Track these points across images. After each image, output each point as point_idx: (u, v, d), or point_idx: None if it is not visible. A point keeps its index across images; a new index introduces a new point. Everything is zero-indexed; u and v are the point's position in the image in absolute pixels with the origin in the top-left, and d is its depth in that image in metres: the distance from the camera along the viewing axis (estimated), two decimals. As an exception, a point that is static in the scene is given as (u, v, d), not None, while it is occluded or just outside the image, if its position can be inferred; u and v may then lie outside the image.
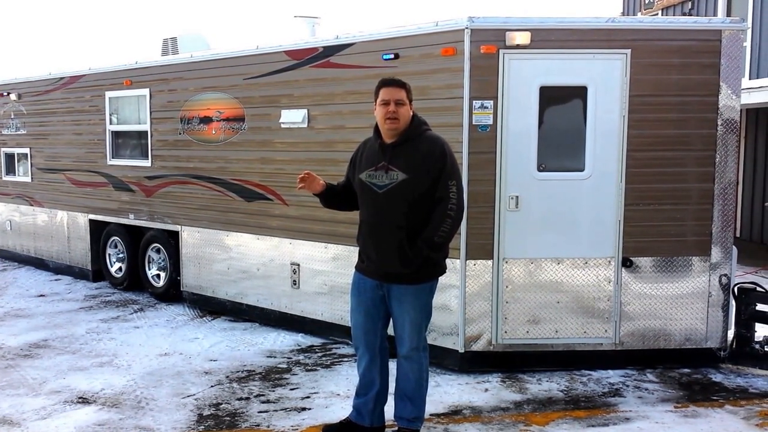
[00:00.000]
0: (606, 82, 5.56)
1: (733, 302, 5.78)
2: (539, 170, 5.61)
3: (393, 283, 4.17)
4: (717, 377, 5.65)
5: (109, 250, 9.29)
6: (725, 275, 5.75)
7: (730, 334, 5.88)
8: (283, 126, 6.82)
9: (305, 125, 6.64)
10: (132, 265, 8.91)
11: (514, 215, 5.61)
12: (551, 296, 5.70)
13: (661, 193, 5.69)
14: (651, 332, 5.76)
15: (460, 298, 5.67)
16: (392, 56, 5.92)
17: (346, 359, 6.11)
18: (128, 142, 8.81)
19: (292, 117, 6.72)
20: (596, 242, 5.68)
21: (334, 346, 6.57)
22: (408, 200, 4.05)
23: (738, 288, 5.73)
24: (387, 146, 4.14)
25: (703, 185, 5.70)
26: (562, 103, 5.69)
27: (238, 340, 6.82)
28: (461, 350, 5.73)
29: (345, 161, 6.12)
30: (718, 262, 5.74)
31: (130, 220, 8.73)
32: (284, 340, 6.79)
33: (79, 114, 9.40)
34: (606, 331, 5.74)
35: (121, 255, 9.14)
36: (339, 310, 6.52)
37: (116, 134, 8.94)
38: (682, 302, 5.75)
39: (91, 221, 9.39)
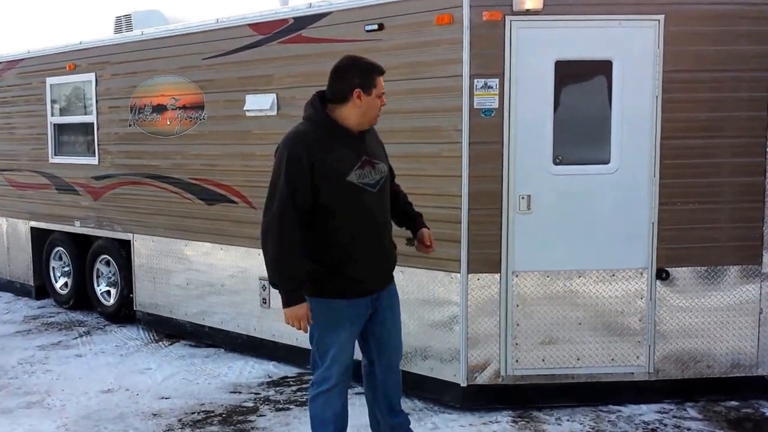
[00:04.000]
0: (635, 55, 4.97)
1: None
2: (555, 163, 5.03)
3: (387, 286, 3.96)
4: (772, 411, 5.10)
5: (53, 263, 8.68)
6: (780, 286, 5.18)
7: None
8: (248, 114, 6.23)
9: (274, 113, 6.06)
10: (79, 281, 8.30)
11: (526, 218, 5.02)
12: (571, 316, 5.11)
13: (701, 189, 5.11)
14: (691, 358, 5.18)
15: (462, 321, 5.08)
16: (376, 27, 5.33)
17: (324, 394, 5.51)
18: (73, 136, 8.23)
19: (259, 103, 6.12)
20: (625, 250, 5.09)
21: (311, 377, 5.94)
22: (389, 191, 3.97)
23: (797, 303, 5.15)
24: (357, 137, 3.78)
25: (751, 179, 5.12)
26: (582, 81, 5.11)
27: (198, 371, 6.22)
28: (463, 383, 5.13)
29: None
30: (769, 270, 5.18)
31: (76, 228, 8.13)
32: (252, 371, 6.19)
33: (17, 105, 8.82)
34: (638, 357, 5.15)
35: (66, 268, 8.54)
36: (317, 334, 5.91)
37: (59, 127, 8.35)
38: (728, 321, 5.17)
39: (33, 229, 8.79)
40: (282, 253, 3.57)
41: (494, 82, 4.92)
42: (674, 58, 4.98)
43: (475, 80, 4.93)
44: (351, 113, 3.71)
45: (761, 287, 5.16)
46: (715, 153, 5.08)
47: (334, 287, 3.73)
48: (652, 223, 5.07)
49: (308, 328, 3.70)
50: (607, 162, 5.03)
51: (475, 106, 4.95)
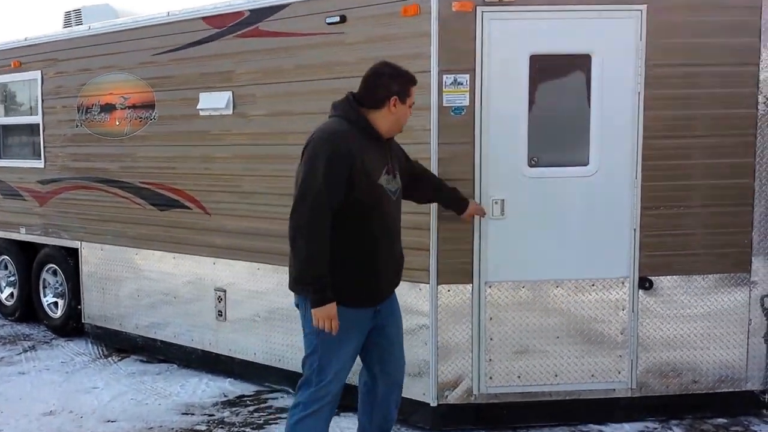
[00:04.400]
0: (616, 48, 4.65)
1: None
2: (531, 165, 4.68)
3: (390, 295, 3.92)
4: (762, 429, 4.80)
5: (-2, 272, 8.20)
6: (770, 296, 4.88)
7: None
8: (202, 113, 5.82)
9: (230, 112, 5.65)
10: (25, 291, 7.83)
11: (499, 225, 4.67)
12: (549, 330, 4.77)
13: (686, 192, 4.80)
14: (676, 372, 4.86)
15: (431, 336, 4.72)
16: (338, 19, 4.96)
17: (283, 415, 5.10)
18: (18, 138, 7.83)
19: (214, 102, 5.72)
20: (605, 258, 4.76)
21: (270, 396, 5.58)
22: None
23: (788, 313, 4.85)
24: (385, 143, 3.81)
25: (740, 181, 4.81)
26: (559, 76, 4.78)
27: (148, 390, 5.79)
28: (433, 403, 4.77)
29: (283, 157, 5.30)
30: (760, 279, 4.86)
31: (22, 235, 7.66)
32: (207, 389, 5.78)
33: (-41, 105, 8.30)
34: (620, 373, 4.82)
35: (12, 278, 8.08)
36: (276, 349, 5.55)
37: (4, 128, 7.92)
38: (715, 332, 4.87)
39: (-23, 237, 8.28)
40: (315, 251, 3.46)
41: (465, 78, 4.57)
42: (658, 51, 4.66)
43: (444, 76, 4.57)
44: (385, 120, 3.71)
45: (750, 296, 4.86)
46: (700, 153, 4.77)
47: (352, 293, 3.62)
48: (634, 229, 4.75)
49: (338, 328, 3.55)
50: (585, 164, 4.70)
51: (444, 104, 4.59)
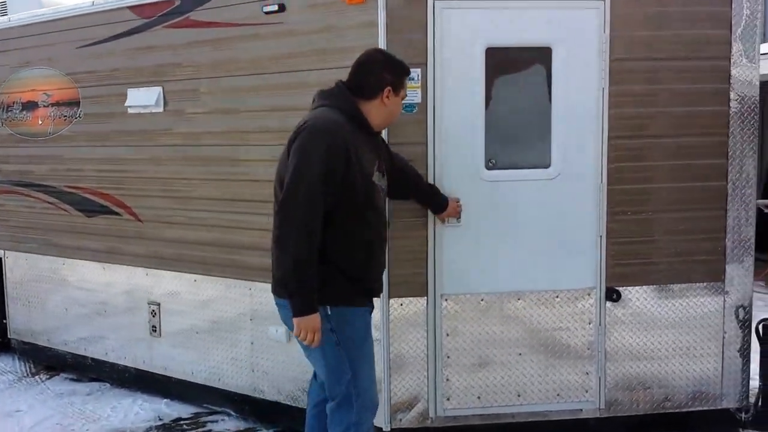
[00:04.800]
0: (578, 41, 4.29)
1: (756, 344, 4.60)
2: (488, 167, 4.30)
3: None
4: (737, 449, 4.48)
5: None
6: (744, 307, 4.56)
7: (754, 388, 4.70)
8: (131, 111, 5.33)
9: (161, 109, 5.18)
10: (-53, 304, 7.22)
11: (455, 232, 4.29)
12: (510, 347, 4.40)
13: (655, 196, 4.46)
14: (648, 390, 4.53)
15: (383, 354, 4.32)
16: (276, 8, 4.52)
17: (222, 442, 4.68)
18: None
19: (143, 98, 5.23)
20: (570, 267, 4.41)
21: (209, 419, 5.14)
22: None
23: (764, 326, 4.54)
24: (376, 136, 3.59)
25: (712, 183, 4.48)
26: (518, 71, 4.40)
27: (76, 414, 5.31)
28: (386, 427, 4.38)
29: (219, 159, 4.90)
30: (734, 289, 4.54)
31: (-59, 244, 7.06)
32: (141, 412, 5.32)
33: None
34: (587, 391, 4.47)
35: (-67, 290, 7.44)
36: (216, 368, 5.12)
37: None
38: (688, 347, 4.54)
39: None
40: (305, 254, 3.14)
41: (416, 72, 4.15)
42: (623, 44, 4.32)
43: (395, 70, 4.16)
44: (377, 112, 3.46)
45: (724, 307, 4.54)
46: (670, 154, 4.43)
47: (355, 293, 3.40)
48: (600, 236, 4.40)
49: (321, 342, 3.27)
50: (547, 166, 4.33)
51: (394, 102, 4.18)
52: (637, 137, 4.40)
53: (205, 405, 5.27)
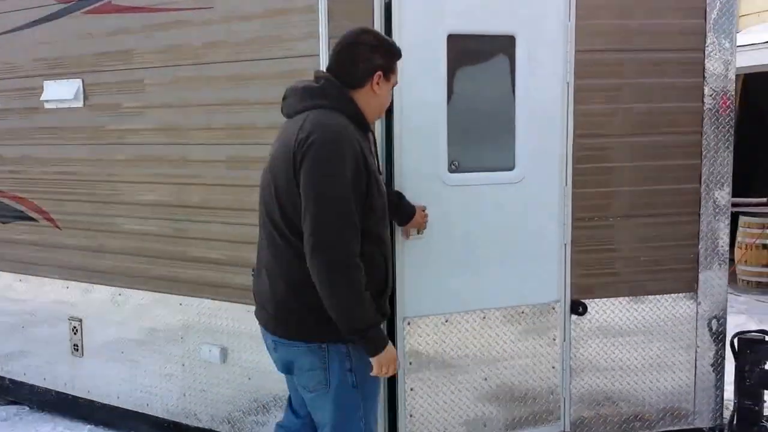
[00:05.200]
0: (542, 29, 3.89)
1: (732, 359, 4.27)
2: (451, 171, 3.85)
3: None
4: (711, 471, 4.15)
5: None
6: (717, 318, 4.23)
7: (728, 405, 4.36)
8: (47, 106, 4.80)
9: (80, 104, 4.66)
10: None
11: (417, 245, 3.78)
12: (476, 371, 3.97)
13: (624, 200, 4.11)
14: (616, 411, 4.18)
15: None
16: (206, -9, 4.06)
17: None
18: None
19: (60, 92, 4.71)
20: (533, 279, 4.01)
21: (138, 448, 4.64)
22: None
23: (739, 339, 4.21)
24: (372, 134, 3.09)
25: (684, 186, 4.14)
26: (481, 62, 3.97)
27: (-13, 444, 4.78)
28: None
29: (148, 160, 4.44)
30: (707, 299, 4.21)
31: None
32: (61, 440, 4.80)
33: None
34: (549, 415, 4.09)
35: None
36: (144, 391, 4.64)
37: None
38: (660, 362, 4.20)
39: None
40: (361, 286, 2.67)
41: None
42: (589, 34, 3.94)
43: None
44: (368, 102, 2.91)
45: (697, 318, 4.21)
46: (640, 154, 4.08)
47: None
48: (565, 245, 4.02)
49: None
50: (511, 168, 3.92)
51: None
52: (603, 136, 4.04)
53: (132, 432, 4.79)
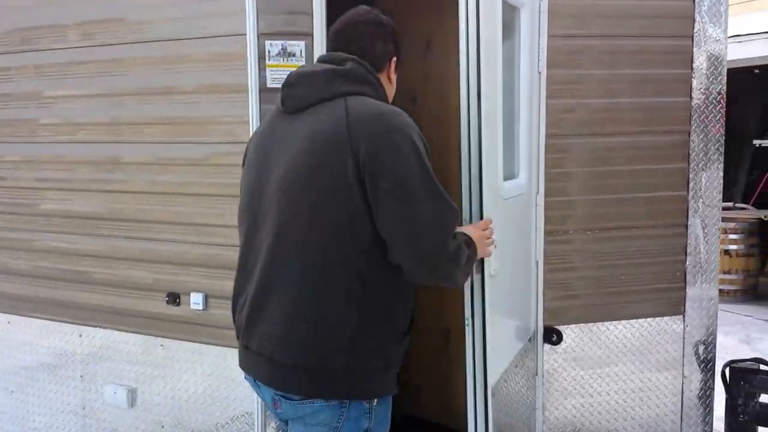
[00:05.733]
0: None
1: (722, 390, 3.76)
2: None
3: None
4: None
5: None
6: (705, 342, 3.72)
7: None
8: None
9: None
10: None
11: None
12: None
13: (603, 210, 3.55)
14: (595, 451, 3.63)
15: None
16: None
17: None
18: None
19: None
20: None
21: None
22: None
23: (731, 368, 3.69)
24: None
25: (670, 193, 3.61)
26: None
27: None
28: None
29: (42, 162, 3.72)
30: (695, 322, 3.69)
31: None
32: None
33: None
34: (522, 461, 3.51)
35: None
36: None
37: None
38: (644, 394, 3.66)
39: None
40: (465, 259, 2.19)
41: (298, 46, 3.10)
42: (563, 17, 3.38)
43: (268, 43, 3.08)
44: (388, 91, 2.36)
45: (684, 344, 3.68)
46: (620, 157, 3.53)
47: (394, 373, 2.22)
48: (537, 262, 3.45)
49: None
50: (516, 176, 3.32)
51: (268, 85, 3.10)
52: (578, 135, 3.48)
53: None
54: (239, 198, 2.26)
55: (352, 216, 2.02)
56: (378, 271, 2.07)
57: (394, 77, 2.37)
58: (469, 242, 2.24)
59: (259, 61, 3.07)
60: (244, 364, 2.26)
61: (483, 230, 2.44)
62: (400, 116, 2.12)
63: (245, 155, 2.31)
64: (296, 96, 2.17)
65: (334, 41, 2.31)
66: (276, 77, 3.08)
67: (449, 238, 2.10)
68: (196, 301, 3.29)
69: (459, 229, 2.25)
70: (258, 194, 2.17)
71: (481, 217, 2.54)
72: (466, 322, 2.62)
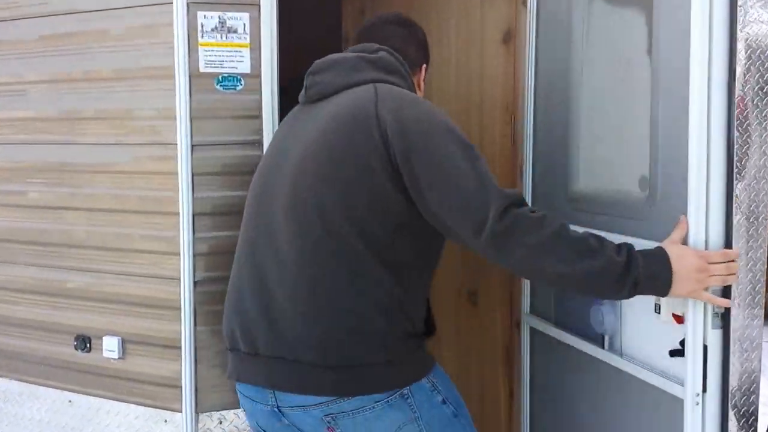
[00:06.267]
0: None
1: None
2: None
3: None
4: None
5: None
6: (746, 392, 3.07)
7: None
8: None
9: None
10: None
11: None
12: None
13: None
14: None
15: None
16: None
17: None
18: None
19: None
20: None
21: None
22: None
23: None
24: None
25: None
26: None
27: None
28: None
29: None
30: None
31: None
32: None
33: None
34: None
35: None
36: None
37: None
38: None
39: None
40: (577, 236, 1.88)
41: (241, 19, 2.47)
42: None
43: (201, 14, 2.44)
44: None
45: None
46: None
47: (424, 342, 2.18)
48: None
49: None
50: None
51: (201, 69, 2.46)
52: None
53: None
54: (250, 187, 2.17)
55: (384, 198, 1.92)
56: (403, 254, 1.99)
57: (423, 85, 2.34)
58: (632, 253, 1.86)
59: (188, 39, 2.42)
60: (252, 376, 2.07)
61: (712, 262, 1.90)
62: (433, 106, 2.05)
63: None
64: (322, 83, 2.11)
65: (364, 37, 2.26)
66: (211, 60, 2.44)
67: (503, 205, 1.84)
68: (110, 347, 2.60)
69: (669, 246, 1.89)
70: (272, 177, 2.07)
71: (727, 246, 1.93)
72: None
